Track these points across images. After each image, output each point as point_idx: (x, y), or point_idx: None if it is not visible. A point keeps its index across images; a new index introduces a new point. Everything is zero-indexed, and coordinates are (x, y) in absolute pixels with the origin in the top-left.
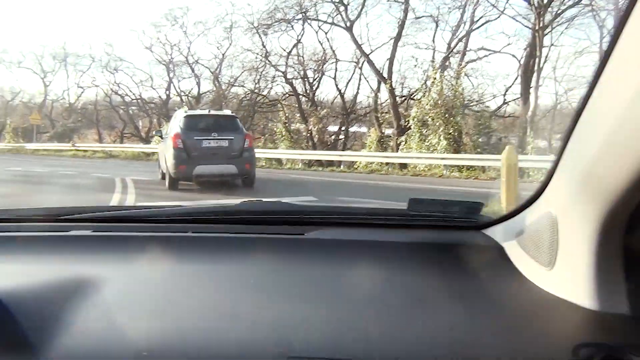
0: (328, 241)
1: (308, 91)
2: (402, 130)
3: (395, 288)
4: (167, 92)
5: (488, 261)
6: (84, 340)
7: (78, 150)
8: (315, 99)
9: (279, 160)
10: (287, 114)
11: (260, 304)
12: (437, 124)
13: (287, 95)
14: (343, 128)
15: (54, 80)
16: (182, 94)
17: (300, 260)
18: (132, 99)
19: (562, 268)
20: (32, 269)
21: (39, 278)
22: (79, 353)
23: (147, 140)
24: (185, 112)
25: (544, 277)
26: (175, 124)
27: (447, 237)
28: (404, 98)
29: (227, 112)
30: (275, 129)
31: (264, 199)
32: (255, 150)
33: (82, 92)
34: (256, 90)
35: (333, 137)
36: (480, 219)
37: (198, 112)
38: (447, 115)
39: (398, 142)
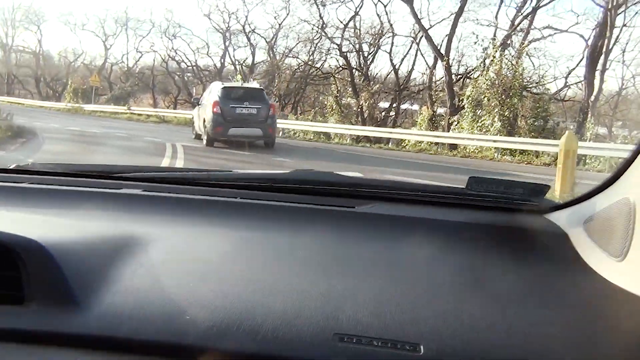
0: (380, 216)
1: (362, 65)
2: (456, 109)
3: (449, 269)
4: (222, 60)
5: (550, 248)
6: (127, 298)
7: (133, 113)
8: (369, 74)
9: (327, 135)
10: (338, 88)
11: (307, 277)
12: (493, 104)
13: (341, 68)
14: (394, 105)
15: (114, 43)
16: (237, 62)
17: (351, 234)
18: (188, 66)
19: (635, 259)
20: (82, 224)
21: (87, 233)
22: (122, 310)
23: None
24: (223, 84)
25: (613, 269)
26: (214, 93)
27: (507, 219)
28: (460, 76)
29: (256, 85)
30: (325, 102)
31: (316, 170)
32: (305, 123)
33: (140, 57)
34: (310, 62)
35: (383, 113)
36: (544, 202)
37: (233, 84)
38: (503, 96)
39: (450, 122)
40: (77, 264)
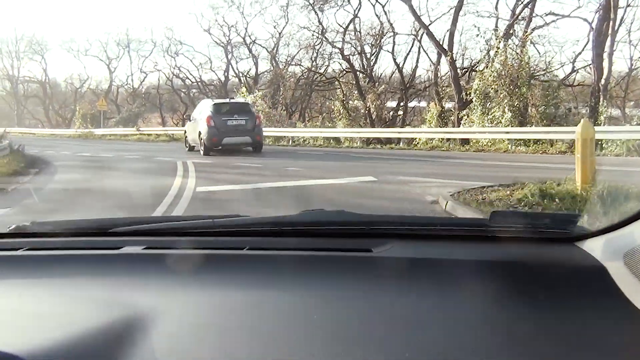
0: (398, 260)
1: (365, 67)
2: (464, 104)
3: (477, 316)
4: (226, 74)
5: (585, 281)
6: None
7: (142, 134)
8: (373, 75)
9: (337, 139)
10: (344, 91)
11: (323, 340)
12: (501, 95)
13: (344, 72)
14: (402, 104)
15: (118, 66)
16: (241, 74)
17: (369, 283)
18: (193, 82)
19: None
20: (76, 311)
21: (82, 326)
22: None
23: None
24: (213, 100)
25: None
26: (206, 110)
27: (535, 251)
28: (465, 70)
29: (242, 99)
30: (332, 107)
31: (327, 209)
32: (314, 129)
33: (145, 77)
34: (313, 69)
35: (391, 113)
36: (575, 230)
37: (222, 100)
38: (511, 87)
39: (460, 117)
40: None
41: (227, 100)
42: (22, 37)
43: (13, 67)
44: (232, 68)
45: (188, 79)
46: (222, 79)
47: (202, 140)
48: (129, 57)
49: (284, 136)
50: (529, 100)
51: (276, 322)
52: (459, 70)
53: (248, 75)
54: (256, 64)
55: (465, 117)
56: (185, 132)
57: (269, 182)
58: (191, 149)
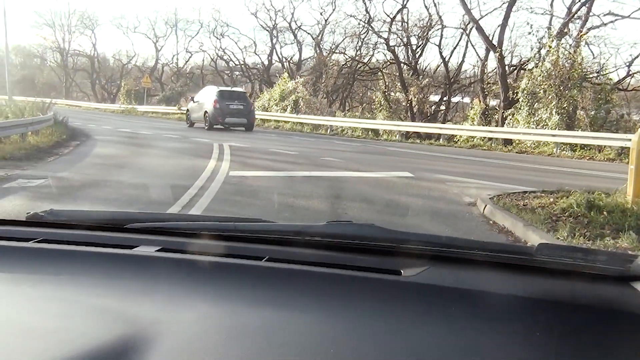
0: (430, 287)
1: (410, 59)
2: (510, 102)
3: (518, 356)
4: (270, 58)
5: None
6: None
7: (183, 113)
8: (417, 68)
9: (375, 131)
10: (387, 83)
11: None
12: (550, 97)
13: (388, 63)
14: (444, 98)
15: (165, 45)
16: (284, 60)
17: (394, 311)
18: (236, 64)
19: None
20: (81, 322)
21: (83, 341)
22: None
23: None
24: (218, 88)
25: None
26: (213, 94)
27: (585, 289)
28: (513, 68)
29: (241, 89)
30: (374, 97)
31: (354, 221)
32: (353, 119)
33: (190, 57)
34: (357, 58)
35: (433, 107)
36: (631, 268)
37: (226, 88)
38: (561, 88)
39: (504, 116)
40: None
41: (230, 88)
42: (74, 11)
43: (64, 40)
44: (276, 53)
45: (232, 61)
46: (266, 63)
47: (207, 118)
48: (175, 36)
49: (323, 124)
50: (578, 103)
51: (289, 347)
52: (507, 68)
53: (291, 61)
54: (300, 50)
55: (510, 116)
56: (187, 110)
57: (302, 171)
58: (191, 125)
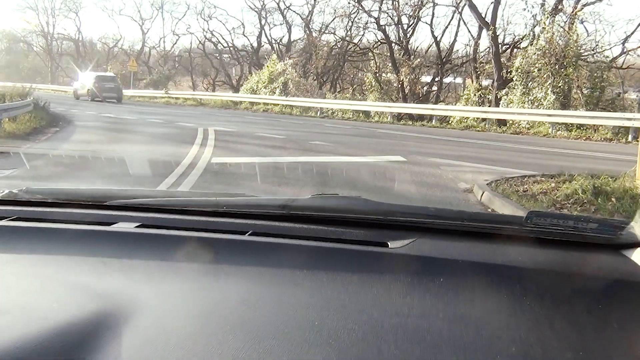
0: (417, 258)
1: (401, 39)
2: (504, 82)
3: (507, 329)
4: (259, 40)
5: (631, 295)
6: None
7: (170, 97)
8: (409, 48)
9: (366, 113)
10: (378, 63)
11: (322, 345)
12: (545, 75)
13: (379, 43)
14: (436, 79)
15: (151, 27)
16: (273, 41)
17: (381, 283)
18: (225, 47)
19: None
20: (57, 297)
21: (58, 316)
22: None
23: (237, 88)
24: (96, 73)
25: None
26: (92, 78)
27: (575, 257)
28: (507, 46)
29: (111, 74)
30: (365, 79)
31: (341, 194)
32: (343, 101)
33: (177, 40)
34: (347, 38)
35: (425, 88)
36: (622, 236)
37: (101, 73)
38: (556, 66)
39: (498, 96)
40: None
41: (104, 73)
42: None
43: (48, 23)
44: (265, 34)
45: (220, 43)
46: (255, 45)
47: (89, 94)
48: (162, 18)
49: (312, 107)
50: (574, 81)
51: (272, 324)
52: (500, 46)
53: (281, 43)
54: (289, 31)
55: (505, 96)
56: (75, 89)
57: (290, 157)
58: (77, 98)
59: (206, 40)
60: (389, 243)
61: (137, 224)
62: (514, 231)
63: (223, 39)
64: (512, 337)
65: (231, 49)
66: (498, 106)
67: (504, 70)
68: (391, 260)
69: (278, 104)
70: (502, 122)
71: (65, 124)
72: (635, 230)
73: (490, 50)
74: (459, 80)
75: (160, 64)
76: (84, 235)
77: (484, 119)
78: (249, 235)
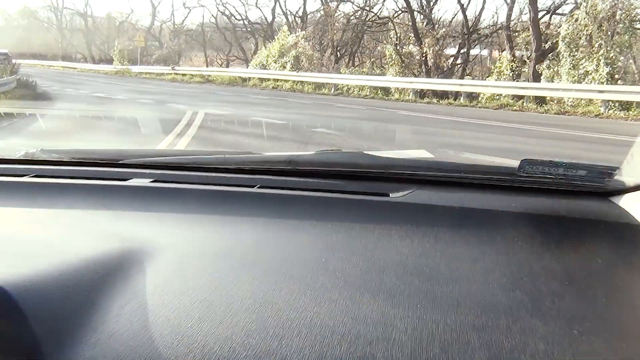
0: (416, 206)
1: (424, 7)
2: (544, 53)
3: (498, 269)
4: (273, 12)
5: (618, 238)
6: (106, 351)
7: (177, 73)
8: (432, 17)
9: (386, 90)
10: (398, 34)
11: (328, 283)
12: (598, 44)
13: (400, 11)
14: (462, 50)
15: (162, 0)
16: (289, 13)
17: (383, 228)
18: (239, 20)
19: None
20: (73, 240)
21: (76, 254)
22: None
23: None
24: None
25: None
26: None
27: (565, 204)
28: (547, 11)
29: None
30: (385, 51)
31: (344, 150)
32: (360, 76)
33: (188, 13)
34: (366, 8)
35: (450, 61)
36: (610, 184)
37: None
38: (609, 33)
39: (539, 70)
40: (52, 306)
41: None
42: None
43: None
44: (280, 5)
45: (233, 16)
46: (269, 17)
47: None
48: None
49: (326, 83)
50: (632, 52)
51: (281, 261)
52: (540, 12)
53: (297, 15)
54: (304, 2)
55: (545, 69)
56: None
57: (284, 151)
58: None
59: (219, 12)
60: (390, 194)
61: (151, 180)
62: (507, 181)
63: (236, 11)
64: (503, 272)
65: (245, 21)
66: (538, 81)
67: (545, 40)
68: (392, 208)
69: (288, 81)
70: (542, 100)
71: (45, 105)
72: (622, 177)
73: (529, 16)
74: (484, 52)
75: (170, 38)
76: (101, 190)
77: (520, 97)
78: (257, 188)
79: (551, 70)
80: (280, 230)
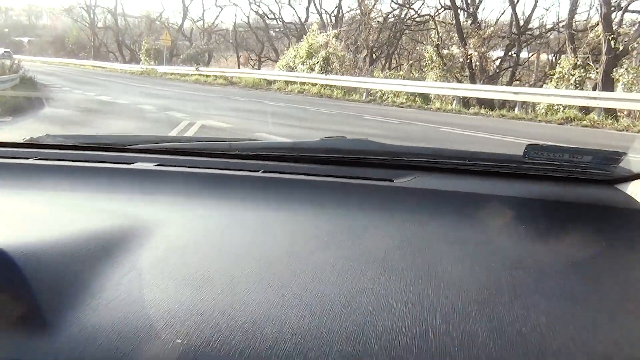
0: (421, 191)
1: (469, 4)
2: (616, 56)
3: (501, 254)
4: (307, 10)
5: (624, 225)
6: (105, 316)
7: (200, 75)
8: (478, 15)
9: (425, 97)
10: (440, 34)
11: (331, 265)
12: None
13: (443, 9)
14: (511, 53)
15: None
16: (324, 12)
17: (387, 213)
18: (272, 19)
19: None
20: (77, 215)
21: (81, 226)
22: (95, 334)
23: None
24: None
25: None
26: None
27: (571, 191)
28: (614, 9)
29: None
30: (424, 53)
31: (349, 137)
32: (395, 80)
33: (220, 12)
34: (406, 5)
35: (497, 64)
36: (615, 171)
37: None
38: None
39: (614, 77)
40: (54, 271)
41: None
42: None
43: None
44: (314, 4)
45: (266, 15)
46: (303, 17)
47: None
48: None
49: (357, 87)
50: None
51: (284, 240)
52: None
53: (332, 14)
54: (340, 1)
55: (620, 75)
56: None
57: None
58: None
59: (251, 11)
60: (394, 180)
61: (156, 164)
62: (512, 169)
63: (270, 10)
64: (507, 254)
65: (278, 20)
66: (610, 89)
67: (617, 39)
68: (396, 193)
69: (316, 84)
70: (610, 113)
71: (37, 109)
72: (628, 164)
73: (599, 12)
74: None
75: (200, 38)
76: (105, 173)
77: (585, 108)
78: (261, 172)
79: (632, 76)
80: (284, 213)
